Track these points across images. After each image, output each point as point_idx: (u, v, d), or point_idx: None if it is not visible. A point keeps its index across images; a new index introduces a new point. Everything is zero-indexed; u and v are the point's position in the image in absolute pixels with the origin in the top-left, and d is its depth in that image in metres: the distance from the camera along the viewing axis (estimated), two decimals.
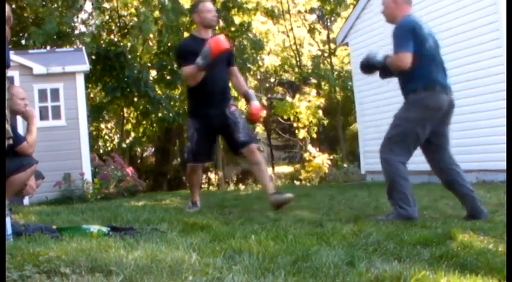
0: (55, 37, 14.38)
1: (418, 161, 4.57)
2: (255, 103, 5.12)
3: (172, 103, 15.78)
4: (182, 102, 16.54)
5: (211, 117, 4.93)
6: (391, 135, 4.10)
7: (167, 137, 19.79)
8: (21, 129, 5.74)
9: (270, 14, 18.59)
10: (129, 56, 15.22)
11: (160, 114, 15.67)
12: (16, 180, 3.81)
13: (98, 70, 14.76)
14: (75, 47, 13.23)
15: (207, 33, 4.96)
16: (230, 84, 5.35)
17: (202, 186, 17.22)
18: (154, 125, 17.75)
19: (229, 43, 4.91)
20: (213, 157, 5.30)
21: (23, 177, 3.92)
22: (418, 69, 3.99)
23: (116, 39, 16.09)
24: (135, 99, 15.71)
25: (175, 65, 16.10)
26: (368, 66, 4.30)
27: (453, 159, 4.08)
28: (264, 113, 5.16)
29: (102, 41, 15.43)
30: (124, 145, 16.95)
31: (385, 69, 4.29)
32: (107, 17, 16.78)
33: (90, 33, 14.99)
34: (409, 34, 3.94)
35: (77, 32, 15.89)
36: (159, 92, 16.10)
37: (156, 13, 15.33)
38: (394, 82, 4.72)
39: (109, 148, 17.30)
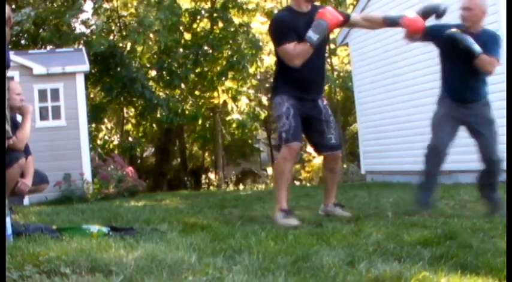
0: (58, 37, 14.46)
1: (418, 161, 4.59)
2: (405, 16, 4.19)
3: (171, 104, 15.79)
4: (181, 103, 16.56)
5: (304, 100, 4.14)
6: (497, 136, 4.31)
7: (167, 137, 19.80)
8: None
9: (270, 14, 18.61)
10: (128, 56, 15.23)
11: (158, 115, 15.68)
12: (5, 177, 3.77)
13: (97, 70, 14.78)
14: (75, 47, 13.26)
15: (307, 6, 4.18)
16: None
17: (202, 186, 17.24)
18: (154, 125, 17.78)
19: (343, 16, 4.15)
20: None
21: (12, 174, 3.89)
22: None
23: (115, 40, 16.09)
24: (134, 99, 15.72)
25: (174, 65, 16.14)
26: (457, 43, 4.21)
27: None
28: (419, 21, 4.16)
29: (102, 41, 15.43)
30: (124, 145, 16.96)
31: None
32: (107, 18, 16.79)
33: (97, 33, 14.98)
34: (500, 44, 4.26)
35: (77, 32, 15.92)
36: (160, 92, 16.11)
37: (155, 13, 15.35)
38: (393, 82, 4.72)
39: (108, 148, 17.31)
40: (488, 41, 4.20)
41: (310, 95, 4.20)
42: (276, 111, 4.17)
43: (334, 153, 4.32)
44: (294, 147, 4.04)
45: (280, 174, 4.10)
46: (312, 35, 3.95)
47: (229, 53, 16.38)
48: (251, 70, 16.73)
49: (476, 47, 4.10)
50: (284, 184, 4.07)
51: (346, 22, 4.28)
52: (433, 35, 4.36)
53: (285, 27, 4.10)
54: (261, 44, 16.79)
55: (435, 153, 4.37)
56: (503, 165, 4.27)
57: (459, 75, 4.26)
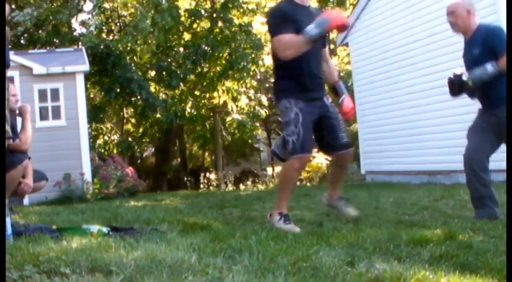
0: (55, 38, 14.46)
1: (418, 161, 4.58)
2: (347, 100, 4.16)
3: (169, 105, 15.78)
4: (180, 103, 16.56)
5: (313, 100, 3.97)
6: None
7: (167, 137, 19.81)
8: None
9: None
10: (124, 56, 15.22)
11: (158, 115, 15.67)
12: (7, 178, 3.77)
13: (96, 71, 14.78)
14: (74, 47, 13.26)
15: (307, 1, 4.08)
16: None
17: (201, 186, 17.25)
18: (154, 125, 17.77)
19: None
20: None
21: (14, 175, 3.89)
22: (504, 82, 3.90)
23: (114, 39, 16.09)
24: (133, 99, 15.73)
25: (174, 65, 16.14)
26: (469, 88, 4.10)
27: None
28: (354, 112, 4.19)
29: (101, 42, 15.43)
30: (123, 145, 16.96)
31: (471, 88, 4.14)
32: (107, 17, 16.80)
33: (90, 33, 15.00)
34: (504, 37, 3.92)
35: (76, 33, 15.92)
36: (160, 93, 16.11)
37: (153, 14, 15.35)
38: (393, 82, 4.70)
39: (108, 148, 17.31)
40: (491, 38, 3.98)
41: (316, 93, 4.04)
42: (284, 116, 3.96)
43: (348, 152, 4.16)
44: (303, 159, 3.90)
45: (287, 182, 3.98)
46: (311, 29, 3.77)
47: (229, 53, 16.38)
48: (251, 69, 16.74)
49: (485, 72, 3.93)
50: (289, 191, 3.98)
51: (344, 30, 4.10)
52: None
53: (284, 17, 3.94)
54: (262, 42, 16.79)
55: (466, 165, 4.11)
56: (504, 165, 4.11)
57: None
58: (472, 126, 4.23)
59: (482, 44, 4.00)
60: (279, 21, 3.93)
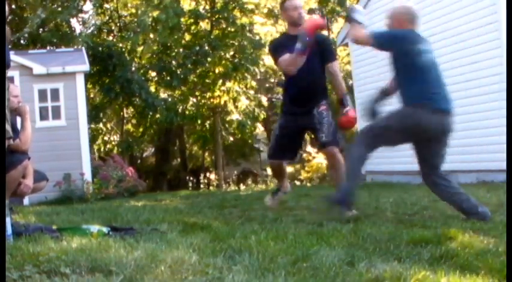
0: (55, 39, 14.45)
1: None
2: (348, 112, 4.77)
3: (169, 104, 15.77)
4: (182, 103, 16.55)
5: (297, 114, 4.78)
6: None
7: (167, 137, 19.80)
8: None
9: (270, 14, 18.60)
10: (126, 57, 15.21)
11: (158, 115, 15.67)
12: (7, 178, 3.76)
13: (96, 71, 14.79)
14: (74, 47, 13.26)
15: (295, 30, 4.76)
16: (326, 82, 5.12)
17: (202, 186, 17.24)
18: (154, 125, 17.78)
19: (324, 21, 4.61)
20: (294, 156, 5.16)
21: (15, 175, 3.88)
22: (413, 84, 4.04)
23: (115, 40, 16.09)
24: (133, 99, 15.73)
25: (174, 66, 16.13)
26: None
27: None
28: (356, 122, 4.90)
29: (101, 41, 15.42)
30: (123, 144, 16.96)
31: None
32: (107, 17, 16.79)
33: (90, 33, 15.00)
34: (394, 33, 4.18)
35: (76, 33, 15.93)
36: (161, 93, 16.09)
37: (156, 13, 15.33)
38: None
39: (107, 148, 17.30)
40: None
41: (303, 108, 4.74)
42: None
43: (326, 150, 4.74)
44: (271, 164, 5.18)
45: (275, 175, 5.50)
46: (297, 45, 4.48)
47: (232, 54, 16.38)
48: (252, 69, 16.72)
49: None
50: (280, 177, 5.20)
51: (324, 28, 4.81)
52: None
53: (277, 46, 4.86)
54: (262, 42, 16.80)
55: None
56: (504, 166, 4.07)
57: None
58: None
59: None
60: (274, 50, 4.90)
